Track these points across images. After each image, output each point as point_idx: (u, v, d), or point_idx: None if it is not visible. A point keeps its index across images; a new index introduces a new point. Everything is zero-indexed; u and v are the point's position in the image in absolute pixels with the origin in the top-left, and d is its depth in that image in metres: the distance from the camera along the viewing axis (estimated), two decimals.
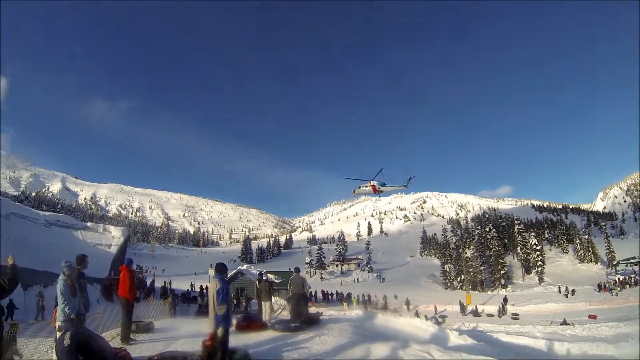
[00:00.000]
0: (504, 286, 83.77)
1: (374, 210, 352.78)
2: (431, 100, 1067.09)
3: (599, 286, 63.70)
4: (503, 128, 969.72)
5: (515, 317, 44.13)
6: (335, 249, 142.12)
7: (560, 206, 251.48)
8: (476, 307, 51.48)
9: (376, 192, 43.75)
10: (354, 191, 45.74)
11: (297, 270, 15.65)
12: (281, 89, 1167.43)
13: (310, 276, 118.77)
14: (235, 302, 38.98)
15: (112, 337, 11.40)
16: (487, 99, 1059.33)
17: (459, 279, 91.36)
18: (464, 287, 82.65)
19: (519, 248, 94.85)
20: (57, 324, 7.65)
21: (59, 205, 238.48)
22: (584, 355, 10.34)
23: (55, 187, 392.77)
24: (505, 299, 55.76)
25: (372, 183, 42.94)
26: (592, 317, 35.53)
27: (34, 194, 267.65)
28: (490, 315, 47.45)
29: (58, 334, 7.45)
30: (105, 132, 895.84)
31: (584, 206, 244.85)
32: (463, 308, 51.83)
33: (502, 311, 47.79)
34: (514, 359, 10.41)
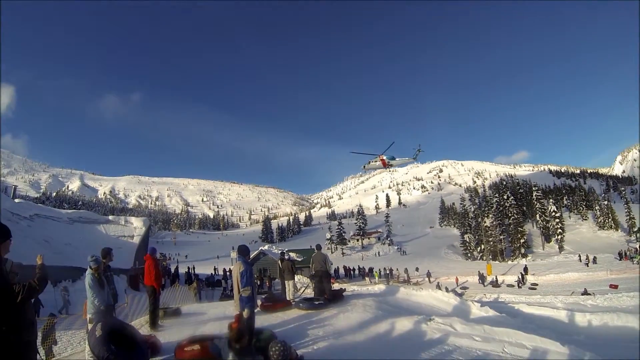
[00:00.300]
0: (524, 255, 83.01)
1: (391, 181, 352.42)
2: (445, 65, 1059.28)
3: (620, 254, 62.80)
4: (517, 92, 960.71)
5: (533, 287, 43.79)
6: (355, 223, 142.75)
7: (578, 171, 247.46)
8: (496, 278, 51.31)
9: (386, 166, 43.89)
10: (364, 166, 45.90)
11: (319, 247, 15.74)
12: (292, 66, 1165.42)
13: (332, 252, 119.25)
14: (258, 282, 39.37)
15: (141, 324, 11.60)
16: (500, 63, 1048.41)
17: (479, 249, 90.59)
18: (484, 258, 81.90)
19: (538, 216, 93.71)
20: (88, 316, 7.84)
21: (80, 202, 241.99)
22: (605, 326, 10.35)
23: (74, 185, 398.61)
24: (525, 269, 55.38)
25: (381, 157, 42.97)
26: (613, 286, 34.99)
27: (54, 194, 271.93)
28: (511, 285, 47.24)
29: (89, 326, 7.65)
30: (119, 125, 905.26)
31: (603, 170, 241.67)
32: (483, 279, 51.66)
33: (521, 281, 47.60)
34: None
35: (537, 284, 45.40)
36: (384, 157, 43.21)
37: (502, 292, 39.11)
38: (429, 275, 60.29)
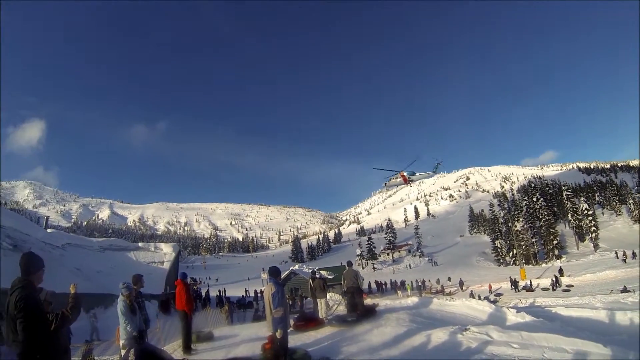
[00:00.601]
0: (558, 257, 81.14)
1: (418, 193, 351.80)
2: (465, 71, 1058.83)
3: None
4: (540, 90, 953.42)
5: (568, 289, 43.12)
6: (385, 237, 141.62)
7: (608, 165, 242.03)
8: (530, 282, 50.63)
9: (407, 182, 44.53)
10: (385, 184, 46.59)
11: (349, 263, 15.72)
12: (315, 87, 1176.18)
13: (363, 268, 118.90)
14: (290, 302, 39.33)
15: (174, 349, 11.62)
16: (519, 61, 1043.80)
17: (511, 254, 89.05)
18: (517, 262, 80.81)
19: (569, 215, 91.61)
20: (121, 342, 7.91)
21: (110, 230, 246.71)
22: None
23: (104, 214, 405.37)
24: (560, 270, 54.50)
25: (402, 173, 43.56)
26: None
27: (85, 223, 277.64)
28: (545, 289, 46.50)
29: (122, 352, 7.71)
30: (146, 154, 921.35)
31: (633, 162, 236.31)
32: (515, 284, 50.98)
33: (555, 284, 46.82)
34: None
35: (572, 285, 44.73)
36: (405, 173, 43.78)
37: (537, 296, 38.71)
38: (461, 284, 59.89)
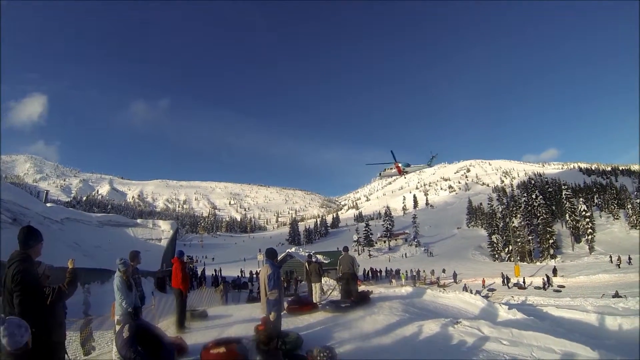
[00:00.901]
0: (553, 256, 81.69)
1: (418, 182, 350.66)
2: (469, 64, 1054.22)
3: None
4: (545, 87, 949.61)
5: (559, 289, 43.35)
6: (382, 224, 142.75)
7: (609, 168, 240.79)
8: (524, 280, 50.83)
9: (401, 173, 44.87)
10: (380, 174, 46.97)
11: (346, 249, 15.69)
12: (317, 66, 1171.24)
13: (359, 254, 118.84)
14: (285, 285, 39.49)
15: (167, 326, 11.76)
16: (527, 58, 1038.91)
17: (506, 249, 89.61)
18: (512, 259, 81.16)
19: (567, 215, 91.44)
20: (116, 317, 7.98)
21: (109, 206, 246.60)
22: (637, 330, 10.14)
23: (104, 190, 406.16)
24: (554, 270, 54.80)
25: (397, 164, 43.85)
26: None
27: (84, 198, 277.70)
28: (538, 287, 46.69)
29: (117, 327, 7.77)
30: (147, 131, 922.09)
31: (635, 167, 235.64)
32: (507, 280, 51.19)
33: (547, 283, 46.97)
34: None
35: (563, 286, 45.03)
36: (400, 165, 44.05)
37: (529, 294, 38.86)
38: (455, 276, 60.16)
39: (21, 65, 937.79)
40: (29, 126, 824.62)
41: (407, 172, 46.01)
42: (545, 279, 47.99)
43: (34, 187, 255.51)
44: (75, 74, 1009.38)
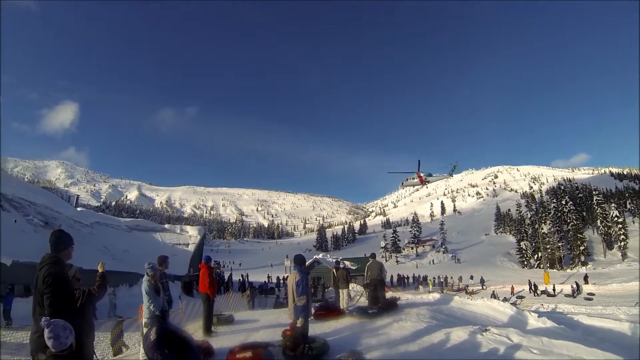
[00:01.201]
0: (584, 263, 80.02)
1: (445, 189, 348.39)
2: (498, 68, 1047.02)
3: None
4: (574, 91, 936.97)
5: (589, 297, 42.31)
6: (410, 231, 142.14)
7: None
8: (554, 287, 49.87)
9: (423, 182, 45.57)
10: (402, 183, 47.67)
11: (373, 255, 15.68)
12: (344, 72, 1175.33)
13: (386, 260, 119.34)
14: (312, 290, 39.46)
15: (194, 330, 11.82)
16: (553, 62, 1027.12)
17: (535, 256, 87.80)
18: (542, 266, 79.64)
19: (599, 221, 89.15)
20: (143, 320, 8.06)
21: (138, 211, 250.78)
22: None
23: (132, 195, 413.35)
24: (585, 277, 53.83)
25: (419, 174, 44.62)
26: None
27: (114, 203, 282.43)
28: (568, 295, 45.75)
29: (144, 330, 7.85)
30: (175, 138, 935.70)
31: None
32: (535, 288, 50.33)
33: (576, 291, 46.04)
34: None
35: (593, 294, 43.87)
36: (422, 174, 44.75)
37: (558, 302, 38.04)
38: (482, 282, 59.67)
39: (53, 73, 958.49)
40: (61, 133, 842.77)
41: (429, 182, 46.55)
42: (575, 286, 47.02)
43: (65, 191, 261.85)
44: (105, 82, 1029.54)
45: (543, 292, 48.95)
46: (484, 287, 57.05)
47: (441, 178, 47.77)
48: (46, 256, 4.67)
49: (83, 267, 6.09)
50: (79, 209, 54.53)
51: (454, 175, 46.33)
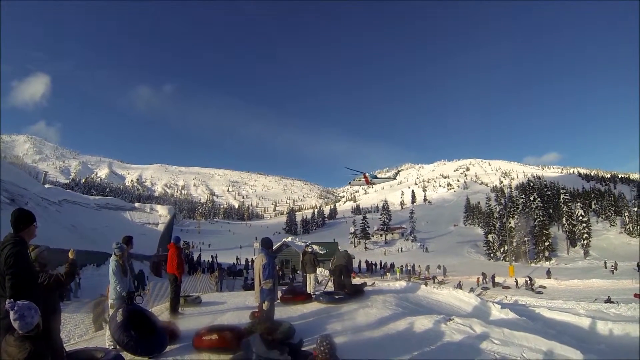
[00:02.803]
0: (548, 258, 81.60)
1: (417, 178, 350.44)
2: (474, 63, 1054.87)
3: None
4: (550, 90, 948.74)
5: (540, 290, 43.13)
6: (380, 218, 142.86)
7: (608, 175, 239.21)
8: (516, 280, 50.61)
9: (368, 183, 47.74)
10: (350, 183, 49.92)
11: (344, 250, 15.87)
12: (321, 58, 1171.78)
13: (355, 246, 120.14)
14: (280, 274, 39.57)
15: (161, 311, 11.81)
16: (532, 60, 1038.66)
17: (502, 249, 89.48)
18: (507, 259, 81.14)
19: (564, 219, 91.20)
20: (110, 301, 8.03)
21: (107, 189, 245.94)
22: (627, 337, 10.13)
23: (102, 172, 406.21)
24: (548, 272, 54.70)
25: (365, 175, 46.64)
26: (638, 296, 34.23)
27: (83, 180, 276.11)
28: (528, 288, 46.47)
29: (111, 311, 7.82)
30: (149, 116, 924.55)
31: (634, 176, 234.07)
32: (491, 279, 51.25)
33: (529, 284, 46.71)
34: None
35: (544, 287, 44.95)
36: (367, 176, 46.65)
37: (521, 294, 38.66)
38: (444, 271, 60.66)
39: (26, 44, 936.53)
40: (31, 106, 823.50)
41: (374, 183, 48.79)
42: (528, 280, 47.77)
43: (33, 167, 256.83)
44: (81, 56, 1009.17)
45: (498, 284, 49.80)
46: (447, 276, 57.82)
47: (385, 180, 50.09)
48: (8, 236, 4.59)
49: (50, 246, 6.01)
50: (46, 185, 53.88)
51: (396, 178, 48.99)
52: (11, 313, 3.81)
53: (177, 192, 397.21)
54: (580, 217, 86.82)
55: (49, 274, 5.02)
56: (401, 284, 16.86)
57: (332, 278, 15.06)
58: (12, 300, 3.92)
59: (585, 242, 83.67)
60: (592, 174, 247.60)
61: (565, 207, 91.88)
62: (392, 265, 68.03)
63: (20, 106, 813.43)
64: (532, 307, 16.15)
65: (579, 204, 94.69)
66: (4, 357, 3.88)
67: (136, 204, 62.22)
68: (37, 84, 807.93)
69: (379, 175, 48.18)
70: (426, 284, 18.04)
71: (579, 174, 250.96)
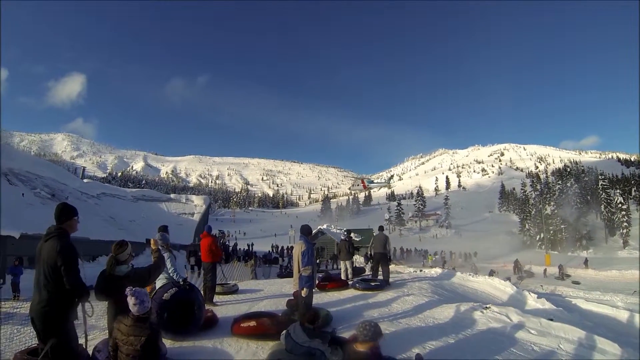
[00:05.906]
0: (585, 247, 79.68)
1: (451, 164, 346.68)
2: (510, 44, 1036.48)
3: None
4: (590, 70, 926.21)
5: (575, 282, 42.14)
6: (414, 204, 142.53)
7: None
8: (545, 270, 49.80)
9: (365, 188, 49.29)
10: (349, 188, 51.38)
11: (381, 228, 15.64)
12: (353, 46, 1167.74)
13: (390, 233, 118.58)
14: (317, 261, 39.77)
15: None
16: (569, 40, 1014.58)
17: (538, 237, 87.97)
18: (543, 247, 79.88)
19: (602, 206, 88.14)
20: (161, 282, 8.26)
21: (143, 182, 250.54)
22: None
23: (138, 166, 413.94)
24: (585, 262, 53.69)
25: (362, 181, 48.39)
26: None
27: (119, 174, 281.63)
28: (558, 278, 45.45)
29: (158, 284, 8.05)
30: (182, 108, 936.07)
31: None
32: (519, 269, 49.84)
33: (560, 274, 45.73)
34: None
35: (569, 275, 44.61)
36: (364, 181, 48.41)
37: (560, 285, 37.99)
38: (475, 260, 60.29)
39: (59, 45, 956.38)
40: (68, 105, 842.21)
41: (370, 188, 50.88)
42: (559, 269, 46.76)
43: (71, 164, 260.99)
44: (113, 53, 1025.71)
45: (526, 271, 48.98)
46: (486, 266, 57.15)
47: (381, 185, 51.61)
48: (51, 228, 4.79)
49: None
50: (85, 180, 54.94)
51: (390, 184, 49.90)
52: (132, 299, 4.48)
53: (211, 182, 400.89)
54: (620, 205, 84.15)
55: (133, 268, 5.36)
56: (437, 271, 16.92)
57: (370, 264, 15.09)
58: (131, 287, 4.60)
59: (625, 231, 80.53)
60: (632, 159, 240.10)
61: (603, 193, 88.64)
62: (426, 252, 67.73)
63: (58, 105, 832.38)
64: (569, 298, 16.00)
65: (618, 190, 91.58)
66: (117, 335, 4.50)
67: (172, 195, 63.29)
68: (72, 83, 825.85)
69: (375, 181, 49.50)
70: (462, 272, 17.94)
71: (618, 159, 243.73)
